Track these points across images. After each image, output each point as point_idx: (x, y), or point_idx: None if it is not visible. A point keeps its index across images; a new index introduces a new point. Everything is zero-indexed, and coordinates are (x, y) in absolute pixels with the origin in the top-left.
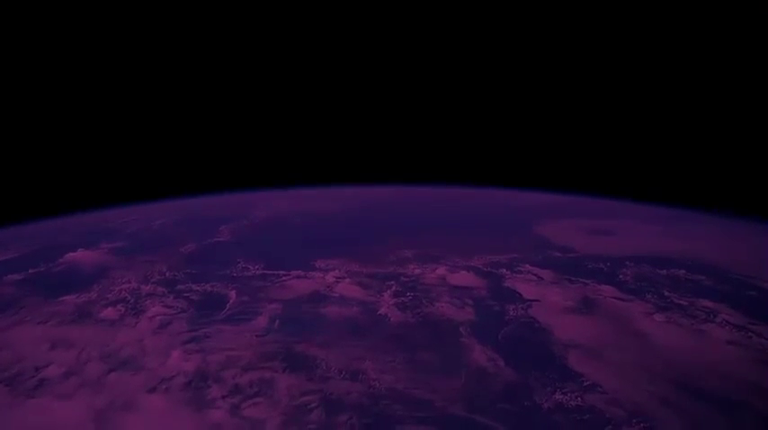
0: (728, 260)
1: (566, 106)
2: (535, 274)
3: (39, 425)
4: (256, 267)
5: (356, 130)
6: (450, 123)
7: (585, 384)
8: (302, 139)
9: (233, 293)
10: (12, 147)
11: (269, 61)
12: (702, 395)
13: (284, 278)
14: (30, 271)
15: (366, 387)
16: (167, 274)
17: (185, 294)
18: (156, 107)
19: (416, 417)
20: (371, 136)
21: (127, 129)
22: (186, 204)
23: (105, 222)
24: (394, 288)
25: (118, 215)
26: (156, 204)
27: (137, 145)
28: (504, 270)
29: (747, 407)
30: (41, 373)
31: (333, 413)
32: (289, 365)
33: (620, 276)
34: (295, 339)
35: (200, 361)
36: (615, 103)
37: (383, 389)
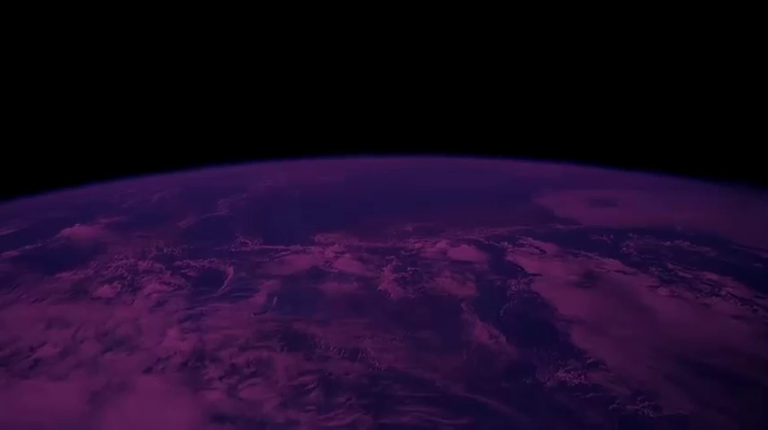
0: (733, 231)
1: (564, 75)
2: (537, 247)
3: (33, 408)
4: (255, 242)
5: (356, 101)
6: (449, 93)
7: (589, 361)
8: (303, 110)
9: (231, 269)
10: (8, 121)
11: (268, 32)
12: (708, 371)
13: (283, 253)
14: (26, 247)
15: (366, 366)
16: (165, 250)
17: (183, 270)
18: (154, 78)
19: (417, 398)
20: (372, 106)
21: (125, 101)
22: (185, 177)
23: (103, 196)
24: (394, 262)
25: (116, 188)
26: (155, 177)
27: (135, 116)
28: (506, 243)
29: (754, 383)
30: (36, 353)
31: (331, 394)
32: (287, 344)
33: (624, 248)
34: (293, 317)
35: (196, 340)
36: (615, 70)
37: (383, 368)
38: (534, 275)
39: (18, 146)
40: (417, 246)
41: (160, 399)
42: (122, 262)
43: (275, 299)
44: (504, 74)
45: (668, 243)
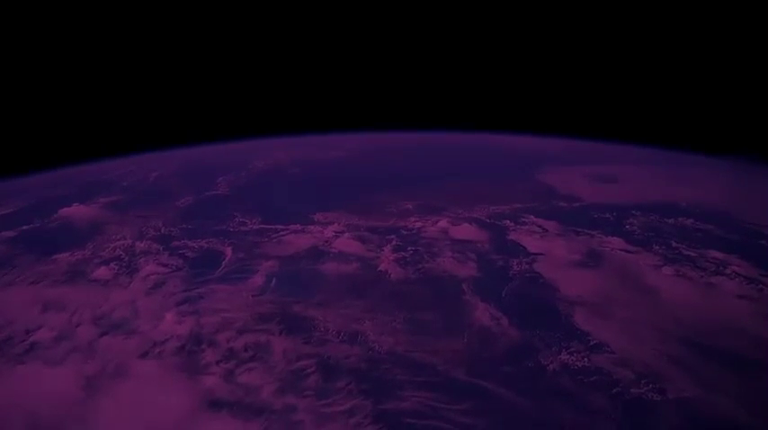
0: (737, 207)
1: (564, 48)
2: (540, 226)
3: (27, 394)
4: (253, 221)
5: (356, 76)
6: (448, 67)
7: (592, 343)
8: (302, 86)
9: (229, 250)
10: (7, 99)
11: (268, 7)
12: (713, 353)
13: (282, 233)
14: (24, 227)
15: (365, 350)
16: (163, 230)
17: (180, 251)
18: (153, 53)
19: (417, 382)
20: (371, 81)
21: (123, 77)
22: (185, 154)
23: (102, 174)
24: (394, 242)
25: (115, 166)
26: (154, 154)
27: (134, 93)
28: (508, 221)
29: (759, 364)
30: (32, 337)
31: (330, 378)
32: (285, 327)
33: (627, 226)
34: (292, 299)
35: (193, 323)
36: (615, 42)
37: (383, 352)
38: (536, 255)
39: (17, 124)
40: (418, 225)
41: (156, 385)
42: (120, 242)
43: (274, 280)
44: (503, 48)
45: (672, 220)
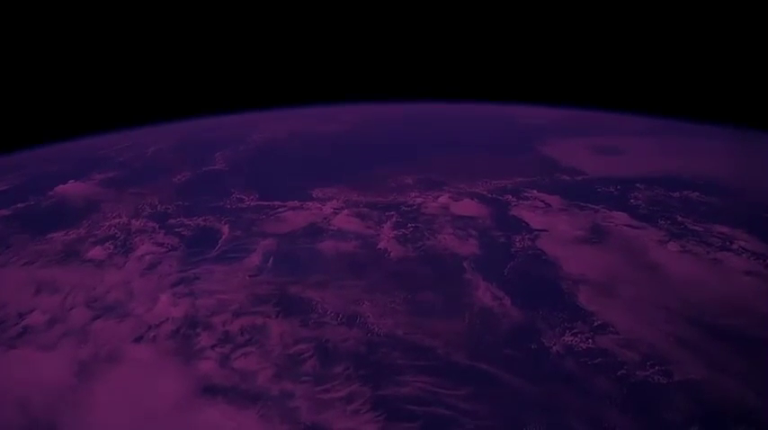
0: (743, 179)
1: (563, 15)
2: (542, 201)
3: (19, 380)
4: (251, 198)
5: (353, 46)
6: (446, 36)
7: (596, 324)
8: (301, 57)
9: (226, 228)
10: (2, 73)
11: None
12: (720, 333)
13: (280, 209)
14: (18, 205)
15: (364, 332)
16: (159, 207)
17: (176, 229)
18: (149, 23)
19: (417, 367)
20: (369, 51)
21: (119, 49)
22: (183, 127)
23: (99, 149)
24: (394, 218)
25: (112, 140)
26: (152, 128)
27: (131, 66)
28: (510, 196)
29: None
30: (25, 320)
31: (328, 363)
32: (282, 309)
33: (632, 200)
34: (289, 279)
35: (188, 306)
36: (616, 8)
37: (382, 334)
38: (539, 231)
39: (14, 98)
40: (418, 200)
41: (150, 371)
42: (115, 221)
43: (271, 259)
44: (503, 16)
45: (677, 194)
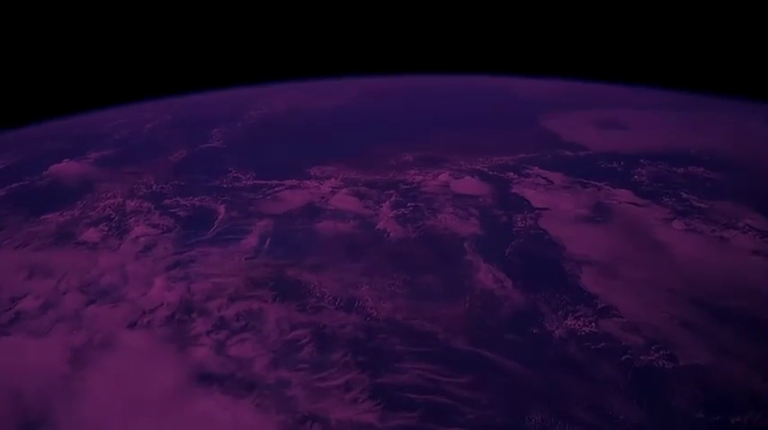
0: (748, 153)
1: None
2: (544, 178)
3: (11, 368)
4: (248, 177)
5: (353, 19)
6: (446, 8)
7: (600, 307)
8: (301, 30)
9: (222, 208)
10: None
11: None
12: (726, 315)
13: (277, 188)
14: (13, 185)
15: (362, 317)
16: (154, 187)
17: (172, 210)
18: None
19: (416, 353)
20: (368, 24)
21: (117, 24)
22: (181, 102)
23: (95, 126)
24: (393, 197)
25: (108, 117)
26: (150, 103)
27: (128, 40)
28: (511, 173)
29: None
30: (17, 306)
31: (326, 350)
32: (279, 293)
33: (636, 176)
34: (286, 261)
35: (183, 290)
36: None
37: (381, 319)
38: (541, 210)
39: (6, 75)
40: (418, 178)
41: (144, 358)
42: (110, 201)
43: (267, 241)
44: None
45: (681, 169)
